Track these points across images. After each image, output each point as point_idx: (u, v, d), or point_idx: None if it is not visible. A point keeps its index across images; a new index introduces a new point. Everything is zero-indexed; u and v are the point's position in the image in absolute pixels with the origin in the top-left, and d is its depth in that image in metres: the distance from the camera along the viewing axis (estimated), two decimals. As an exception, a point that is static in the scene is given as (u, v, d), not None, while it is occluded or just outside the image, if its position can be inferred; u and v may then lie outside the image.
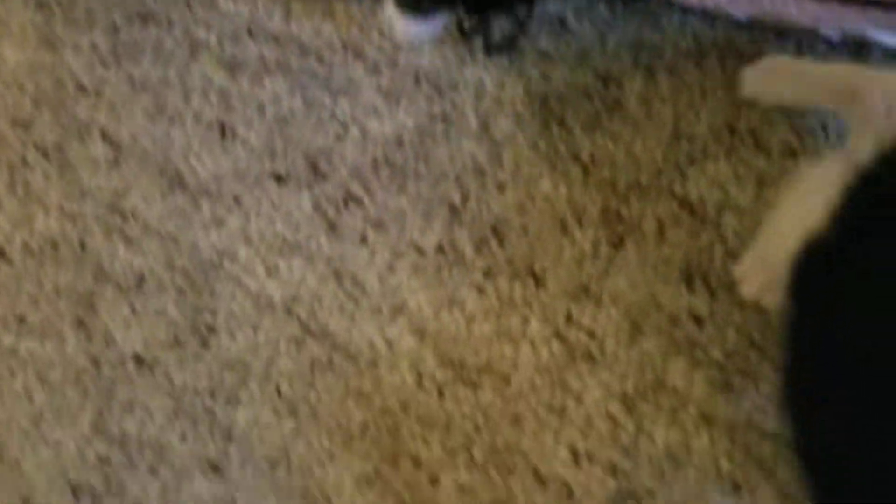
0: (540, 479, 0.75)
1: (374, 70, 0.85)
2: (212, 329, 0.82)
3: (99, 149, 0.88)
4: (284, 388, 0.80)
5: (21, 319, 0.86)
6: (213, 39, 0.89)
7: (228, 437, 0.80)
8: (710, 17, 0.81)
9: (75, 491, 0.81)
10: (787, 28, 0.78)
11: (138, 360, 0.83)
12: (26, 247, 0.88)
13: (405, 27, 0.78)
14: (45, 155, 0.89)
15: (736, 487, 0.72)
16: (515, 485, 0.76)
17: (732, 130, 0.79)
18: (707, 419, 0.73)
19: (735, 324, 0.75)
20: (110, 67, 0.90)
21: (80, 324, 0.85)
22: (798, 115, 0.78)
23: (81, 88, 0.90)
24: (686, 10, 0.81)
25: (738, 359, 0.74)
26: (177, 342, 0.83)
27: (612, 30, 0.83)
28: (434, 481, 0.77)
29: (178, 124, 0.88)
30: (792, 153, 0.77)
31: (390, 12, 0.77)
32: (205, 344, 0.82)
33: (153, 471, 0.81)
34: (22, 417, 0.83)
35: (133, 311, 0.84)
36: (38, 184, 0.88)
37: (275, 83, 0.87)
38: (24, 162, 0.89)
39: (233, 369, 0.81)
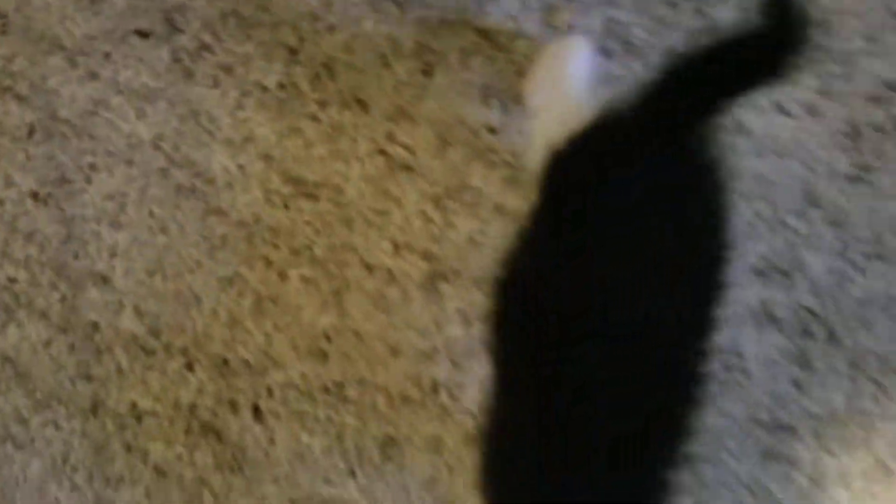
0: (368, 268, 0.86)
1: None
2: (93, 167, 0.92)
3: (-16, 18, 0.96)
4: (156, 210, 0.90)
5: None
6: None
7: (113, 253, 0.91)
8: None
9: None
10: None
11: (35, 196, 0.93)
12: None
13: None
14: (-64, 27, 0.97)
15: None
16: (349, 274, 0.87)
17: None
18: (500, 209, 0.85)
19: (522, 132, 0.85)
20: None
21: (-18, 170, 0.94)
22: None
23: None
24: None
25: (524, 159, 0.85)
26: (65, 180, 0.92)
27: None
28: (283, 277, 0.88)
29: (52, -9, 0.95)
30: (569, -17, 0.86)
31: None
32: (88, 180, 0.92)
33: (53, 285, 0.91)
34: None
35: (27, 156, 0.93)
36: (-69, 51, 0.96)
37: (133, -52, 0.94)
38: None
39: (112, 199, 0.91)
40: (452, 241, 0.85)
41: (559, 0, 0.87)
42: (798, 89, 0.80)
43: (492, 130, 0.85)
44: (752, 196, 0.80)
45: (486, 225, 0.84)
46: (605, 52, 0.85)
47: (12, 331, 0.90)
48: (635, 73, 0.84)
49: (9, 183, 0.93)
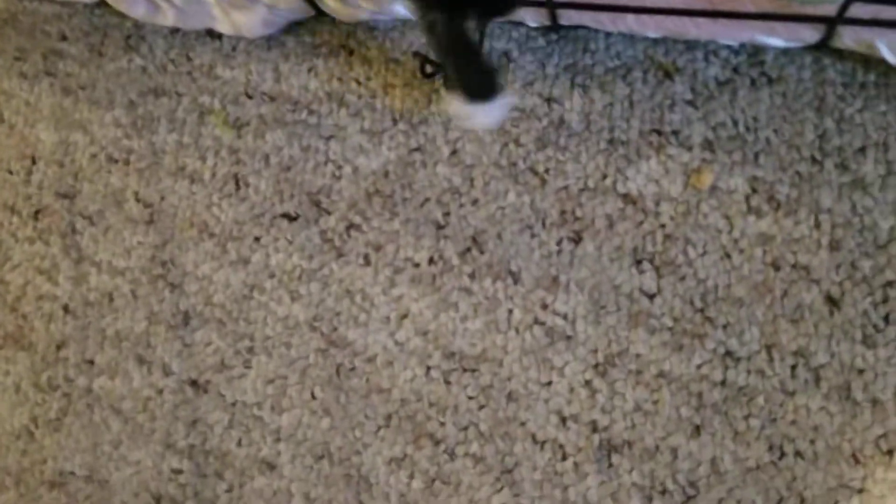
0: (537, 442, 0.79)
1: (357, 114, 0.88)
2: (251, 351, 0.86)
3: (135, 210, 0.91)
4: (318, 392, 0.84)
5: (90, 363, 0.89)
6: (216, 104, 0.92)
7: (277, 438, 0.84)
8: (629, 37, 0.84)
9: (158, 500, 0.85)
10: (693, 41, 0.82)
11: (194, 384, 0.87)
12: (86, 301, 0.91)
13: (475, 118, 0.79)
14: (91, 221, 0.92)
15: (696, 430, 0.77)
16: (518, 450, 0.80)
17: (659, 133, 0.82)
18: (665, 376, 0.78)
19: (679, 294, 0.79)
20: (133, 138, 0.93)
21: (140, 360, 0.88)
22: (711, 112, 0.82)
23: (112, 159, 0.93)
24: (609, 34, 0.85)
25: (685, 322, 0.78)
26: (224, 366, 0.86)
27: (549, 58, 0.86)
28: (452, 455, 0.81)
29: (198, 181, 0.91)
30: (709, 146, 0.81)
31: (456, 108, 0.77)
32: (247, 364, 0.86)
33: (219, 475, 0.84)
34: (104, 444, 0.87)
35: (184, 344, 0.87)
36: (89, 247, 0.92)
37: (274, 136, 0.90)
38: (73, 229, 0.93)
39: (273, 382, 0.85)
40: (620, 409, 0.77)
41: (701, 162, 0.79)
42: None
43: (648, 295, 0.77)
44: None
45: (653, 393, 0.76)
46: (753, 211, 0.78)
47: (179, 520, 0.82)
48: (784, 228, 0.76)
49: (167, 372, 0.86)
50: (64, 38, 0.98)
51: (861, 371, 0.74)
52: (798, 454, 0.73)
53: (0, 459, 0.90)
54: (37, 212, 0.93)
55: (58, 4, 0.98)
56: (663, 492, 0.75)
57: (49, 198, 0.93)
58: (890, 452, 0.72)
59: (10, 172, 0.95)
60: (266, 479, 0.83)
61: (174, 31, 0.94)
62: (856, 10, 0.72)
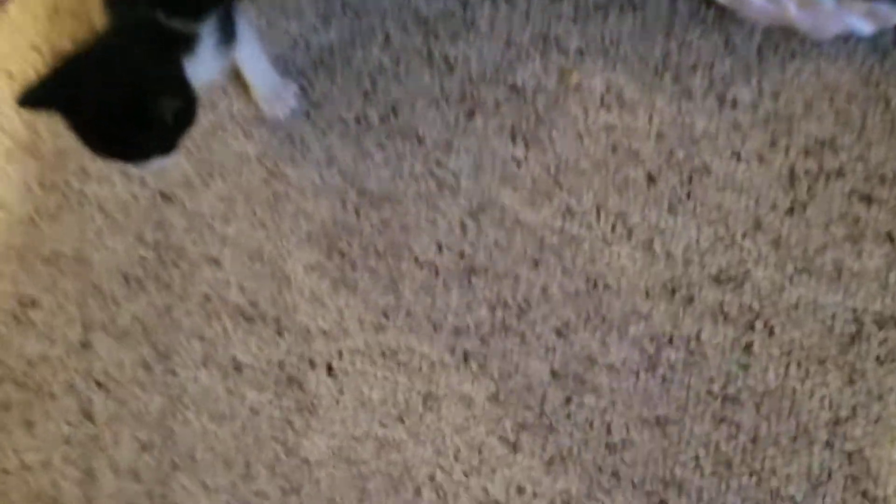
0: (419, 263, 0.95)
1: (314, 0, 1.02)
2: (210, 175, 1.01)
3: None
4: (258, 210, 0.99)
5: (85, 171, 1.04)
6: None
7: (224, 243, 1.00)
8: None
9: (126, 278, 1.01)
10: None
11: (164, 195, 1.02)
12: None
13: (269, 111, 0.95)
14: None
15: (536, 262, 0.94)
16: (404, 267, 0.96)
17: (545, 39, 0.97)
18: (520, 223, 0.94)
19: (540, 163, 0.95)
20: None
21: (123, 173, 1.03)
22: (587, 28, 0.96)
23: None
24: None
25: (541, 184, 0.94)
26: (188, 184, 1.02)
27: (471, -29, 0.99)
28: (354, 266, 0.97)
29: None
30: (581, 53, 0.96)
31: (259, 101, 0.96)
32: (206, 185, 1.01)
33: (175, 264, 1.00)
34: (89, 232, 1.03)
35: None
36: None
37: (245, 12, 1.03)
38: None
39: (224, 201, 1.00)
40: (483, 244, 0.93)
41: (573, 65, 0.95)
42: (751, 142, 0.89)
43: (518, 163, 0.93)
44: (712, 220, 0.89)
45: (509, 233, 0.92)
46: (605, 106, 0.93)
47: (142, 297, 0.99)
48: (625, 121, 0.92)
49: (143, 184, 1.02)
50: None
51: (662, 230, 0.91)
52: (607, 286, 0.91)
53: (7, 238, 1.06)
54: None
55: None
56: (505, 306, 0.93)
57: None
58: (673, 291, 0.90)
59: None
60: (211, 271, 0.99)
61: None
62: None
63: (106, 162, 0.76)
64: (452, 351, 0.92)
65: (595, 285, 0.90)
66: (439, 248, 0.94)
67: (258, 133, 0.99)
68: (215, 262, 0.96)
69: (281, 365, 0.95)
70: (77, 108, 0.69)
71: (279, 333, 0.95)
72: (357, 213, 0.96)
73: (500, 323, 0.91)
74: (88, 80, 0.68)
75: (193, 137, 1.01)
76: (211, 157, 1.00)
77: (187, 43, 0.75)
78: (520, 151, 0.94)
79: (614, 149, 0.92)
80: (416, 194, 0.95)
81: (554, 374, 0.91)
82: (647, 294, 0.89)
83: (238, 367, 0.96)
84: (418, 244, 0.94)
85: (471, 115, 0.96)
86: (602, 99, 0.93)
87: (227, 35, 0.81)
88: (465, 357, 0.92)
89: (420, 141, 0.96)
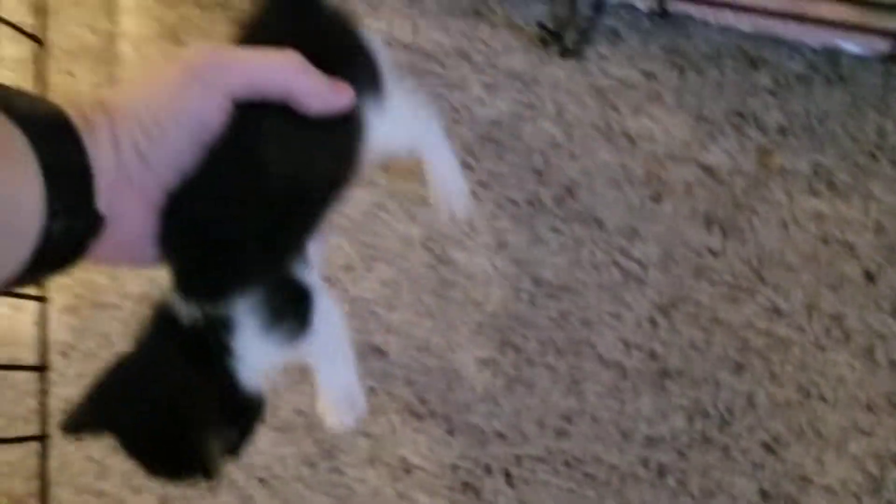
0: (603, 362, 0.88)
1: (479, 70, 0.96)
2: (373, 258, 0.96)
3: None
4: (424, 298, 0.93)
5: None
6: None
7: (388, 330, 0.94)
8: (724, 28, 0.90)
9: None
10: (780, 39, 0.88)
11: (327, 279, 0.97)
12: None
13: (337, 420, 0.69)
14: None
15: (739, 366, 0.85)
16: (587, 366, 0.89)
17: (740, 114, 0.89)
18: (719, 321, 0.86)
19: (739, 255, 0.86)
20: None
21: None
22: (788, 102, 0.88)
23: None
24: (707, 24, 0.91)
25: (742, 279, 0.86)
26: (349, 267, 0.96)
27: (652, 38, 0.92)
28: (531, 363, 0.90)
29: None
30: (782, 131, 0.87)
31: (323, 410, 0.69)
32: (368, 269, 0.96)
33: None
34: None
35: (317, 246, 0.97)
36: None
37: (408, 82, 0.98)
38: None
39: (388, 285, 0.95)
40: (676, 344, 0.85)
41: (773, 144, 0.86)
42: None
43: (713, 253, 0.85)
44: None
45: (708, 335, 0.84)
46: (813, 191, 0.84)
47: (304, 387, 0.94)
48: (837, 209, 0.83)
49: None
50: None
51: (884, 337, 0.81)
52: (822, 397, 0.82)
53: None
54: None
55: None
56: (705, 415, 0.85)
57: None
58: (900, 406, 0.80)
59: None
60: (377, 362, 0.93)
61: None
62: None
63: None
64: (646, 464, 0.84)
65: (808, 395, 0.81)
66: (626, 346, 0.86)
67: (422, 214, 0.93)
68: (380, 352, 0.90)
69: (454, 468, 0.88)
70: (121, 430, 0.53)
71: (450, 433, 0.89)
72: (532, 303, 0.88)
73: (699, 434, 0.83)
74: (126, 401, 0.53)
75: (354, 219, 0.95)
76: (374, 239, 0.93)
77: (223, 332, 0.54)
78: (716, 241, 0.85)
79: (825, 240, 0.83)
80: (598, 285, 0.87)
81: (763, 494, 0.82)
82: (869, 407, 0.79)
83: (408, 469, 0.89)
84: (602, 341, 0.86)
85: (657, 197, 0.87)
86: (809, 183, 0.84)
87: (277, 312, 0.56)
88: (661, 471, 0.84)
89: (600, 226, 0.88)
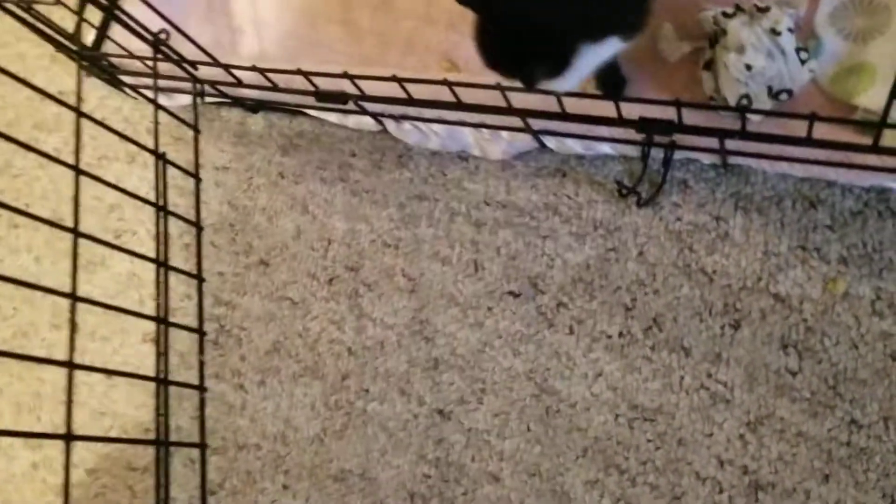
0: (700, 479, 0.98)
1: (567, 221, 1.12)
2: (483, 391, 1.10)
3: (402, 282, 1.17)
4: (532, 426, 1.06)
5: (366, 391, 1.15)
6: (463, 208, 1.17)
7: (501, 458, 1.07)
8: (782, 175, 1.04)
9: (411, 496, 1.09)
10: (833, 182, 1.01)
11: (440, 412, 1.11)
12: (364, 345, 1.17)
13: None
14: (369, 287, 1.19)
15: (825, 477, 0.94)
16: (685, 483, 0.99)
17: (804, 248, 1.01)
18: (803, 435, 0.96)
19: (816, 374, 0.97)
20: (402, 230, 1.19)
21: (402, 392, 1.13)
22: (846, 235, 1.00)
23: (386, 244, 1.20)
24: (765, 172, 1.05)
25: (820, 395, 0.96)
26: (462, 400, 1.10)
27: (718, 186, 1.06)
28: (633, 482, 1.01)
29: (448, 264, 1.16)
30: (844, 261, 0.99)
31: None
32: (480, 401, 1.09)
33: (457, 481, 1.07)
34: (374, 450, 1.12)
35: (434, 382, 1.12)
36: (367, 306, 1.18)
37: (504, 233, 1.14)
38: (356, 293, 1.20)
39: (498, 416, 1.08)
40: (766, 458, 0.95)
41: (836, 273, 0.98)
42: None
43: (792, 373, 0.96)
44: None
45: (793, 448, 0.94)
46: (877, 313, 0.95)
47: (423, 511, 1.06)
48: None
49: (421, 402, 1.10)
50: (353, 154, 1.26)
51: (962, 443, 0.90)
52: (907, 503, 0.90)
53: (298, 458, 1.17)
54: (331, 279, 1.21)
55: (350, 130, 1.27)
56: (798, 523, 0.93)
57: (340, 269, 1.21)
58: (983, 508, 0.88)
59: (313, 249, 1.23)
60: (492, 488, 1.05)
61: (434, 153, 1.21)
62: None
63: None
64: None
65: (892, 501, 0.89)
66: (720, 462, 0.96)
67: (525, 349, 1.06)
68: (495, 478, 1.02)
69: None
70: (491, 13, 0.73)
71: (565, 552, 0.99)
72: (630, 427, 1.00)
73: (794, 542, 0.91)
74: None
75: (463, 355, 1.09)
76: (482, 374, 1.07)
77: None
78: (793, 361, 0.96)
79: (894, 357, 0.93)
80: (689, 407, 0.99)
81: None
82: (953, 512, 0.87)
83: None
84: (697, 458, 0.96)
85: (736, 325, 0.99)
86: (873, 306, 0.95)
87: None
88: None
89: (687, 353, 1.00)
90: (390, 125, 1.19)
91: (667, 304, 1.02)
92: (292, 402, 1.16)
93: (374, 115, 1.17)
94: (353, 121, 1.23)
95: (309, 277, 1.21)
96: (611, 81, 1.03)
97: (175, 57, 1.18)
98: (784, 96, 0.97)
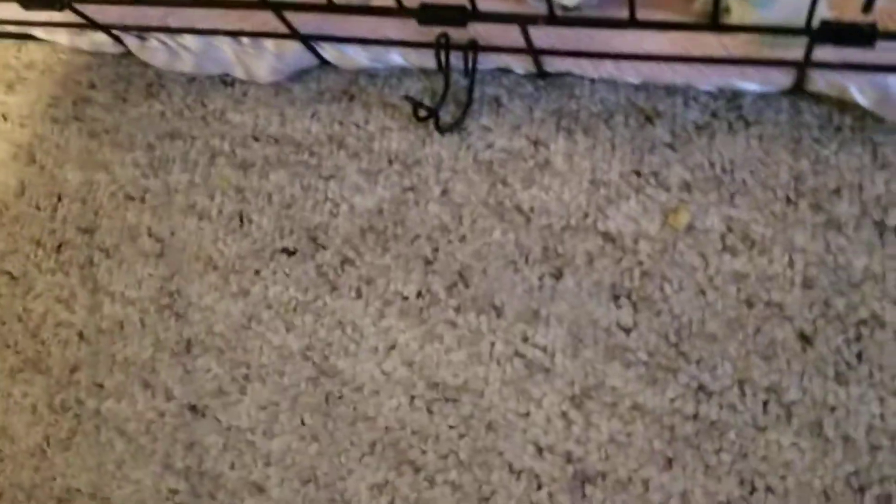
0: (513, 472, 0.76)
1: (355, 156, 0.88)
2: (247, 378, 0.85)
3: (147, 245, 0.92)
4: (307, 419, 0.82)
5: (100, 386, 0.89)
6: (226, 146, 0.92)
7: (268, 462, 0.82)
8: (612, 83, 0.83)
9: None
10: (672, 86, 0.80)
11: (193, 408, 0.86)
12: (99, 328, 0.91)
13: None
14: (107, 254, 0.93)
15: (668, 461, 0.73)
16: (495, 478, 0.77)
17: (639, 174, 0.80)
18: (639, 409, 0.75)
19: (654, 329, 0.76)
20: (149, 178, 0.94)
21: (146, 385, 0.88)
22: (689, 154, 0.79)
23: (129, 197, 0.94)
24: (593, 81, 0.83)
25: (660, 356, 0.75)
26: (221, 391, 0.85)
27: (537, 103, 0.85)
28: (431, 482, 0.78)
29: (206, 218, 0.91)
30: (687, 187, 0.78)
31: None
32: (242, 391, 0.85)
33: (212, 496, 0.83)
34: (109, 463, 0.87)
35: (185, 370, 0.87)
36: (104, 278, 0.92)
37: (278, 176, 0.90)
38: (91, 261, 0.94)
39: (265, 409, 0.84)
40: (595, 441, 0.73)
41: (678, 202, 0.76)
42: None
43: (625, 330, 0.74)
44: (902, 391, 0.68)
45: (627, 425, 0.73)
46: (728, 249, 0.74)
47: (174, 538, 0.81)
48: (758, 266, 0.73)
49: (169, 396, 0.85)
50: (92, 86, 0.99)
51: (833, 408, 0.70)
52: (769, 489, 0.69)
53: (14, 476, 0.89)
54: (59, 245, 0.94)
55: (88, 55, 1.00)
56: (634, 524, 0.72)
57: (71, 233, 0.94)
58: (861, 490, 0.68)
59: (38, 208, 0.96)
60: (255, 501, 0.81)
61: (191, 79, 0.95)
62: (825, 55, 0.70)
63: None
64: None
65: (753, 488, 0.69)
66: (538, 450, 0.74)
67: (300, 321, 0.82)
68: (259, 488, 0.78)
69: None
70: None
71: (345, 578, 0.75)
72: (430, 411, 0.77)
73: (631, 549, 0.70)
74: None
75: (223, 334, 0.85)
76: (246, 356, 0.83)
77: None
78: (626, 315, 0.75)
79: (750, 303, 0.72)
80: (501, 381, 0.76)
81: None
82: (826, 496, 0.67)
83: None
84: (511, 447, 0.74)
85: (558, 274, 0.77)
86: (723, 240, 0.75)
87: None
88: None
89: (498, 313, 0.78)
90: (132, 43, 0.92)
91: (475, 253, 0.79)
92: (8, 406, 0.89)
93: (106, 29, 0.90)
94: (87, 41, 0.96)
95: (33, 244, 0.93)
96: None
97: None
98: (604, -23, 0.75)
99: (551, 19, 0.72)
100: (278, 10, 0.79)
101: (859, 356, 0.71)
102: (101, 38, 0.96)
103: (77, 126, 0.99)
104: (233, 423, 0.84)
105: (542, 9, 0.73)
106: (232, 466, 0.83)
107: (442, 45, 0.83)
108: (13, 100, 1.03)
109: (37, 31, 1.01)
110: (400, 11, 0.76)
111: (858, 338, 0.72)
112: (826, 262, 0.74)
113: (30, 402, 0.92)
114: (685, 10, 0.76)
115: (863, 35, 0.62)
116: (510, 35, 0.78)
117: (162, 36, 0.92)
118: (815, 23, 0.63)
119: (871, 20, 0.61)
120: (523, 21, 0.73)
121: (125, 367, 0.89)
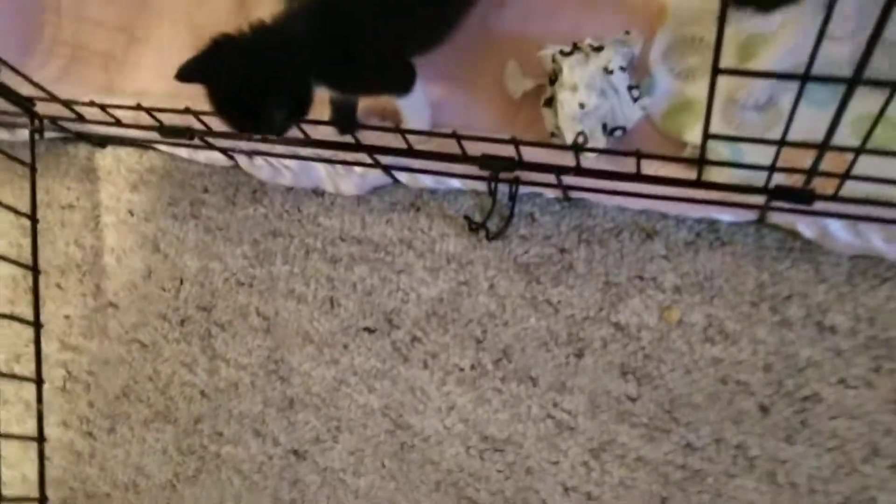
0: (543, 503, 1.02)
1: (421, 255, 1.14)
2: (339, 429, 1.11)
3: (256, 321, 1.18)
4: (386, 462, 1.08)
5: (220, 434, 1.14)
6: (318, 244, 1.18)
7: (357, 496, 1.08)
8: (621, 208, 1.10)
9: None
10: (667, 214, 1.07)
11: (295, 452, 1.11)
12: (217, 388, 1.17)
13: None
14: (222, 328, 1.19)
15: (663, 500, 1.00)
16: (532, 510, 1.03)
17: (641, 278, 1.07)
18: (642, 459, 1.01)
19: (653, 399, 1.02)
20: (256, 267, 1.20)
21: (257, 433, 1.13)
22: (680, 265, 1.06)
23: (240, 283, 1.20)
24: (605, 205, 1.10)
25: (657, 420, 1.02)
26: (318, 440, 1.11)
27: (563, 219, 1.11)
28: (483, 512, 1.04)
29: (303, 301, 1.17)
30: (678, 290, 1.05)
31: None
32: (335, 439, 1.11)
33: (313, 521, 1.08)
34: (228, 497, 1.12)
35: (289, 422, 1.12)
36: (221, 347, 1.18)
37: (360, 269, 1.16)
38: (209, 334, 1.19)
39: (354, 454, 1.09)
40: (608, 483, 1.00)
41: (671, 301, 1.04)
42: (855, 368, 0.96)
43: (631, 399, 1.01)
44: (830, 448, 0.95)
45: (633, 472, 0.99)
46: (709, 339, 1.02)
47: (280, 554, 1.06)
48: (731, 354, 1.00)
49: (276, 443, 1.11)
50: (206, 190, 1.26)
51: (784, 461, 0.97)
52: (736, 521, 0.96)
53: (150, 504, 1.15)
54: (182, 320, 1.20)
55: (202, 165, 1.27)
56: (638, 545, 0.98)
57: (192, 310, 1.20)
58: (802, 522, 0.95)
59: (163, 289, 1.22)
60: (347, 525, 1.06)
61: (289, 188, 1.22)
62: (779, 202, 0.98)
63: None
64: None
65: (724, 520, 0.95)
66: (566, 490, 1.00)
67: (380, 385, 1.08)
68: (350, 516, 1.03)
69: None
70: (217, 85, 0.82)
71: (418, 585, 1.01)
72: (481, 458, 1.03)
73: (635, 564, 0.96)
74: (230, 63, 0.82)
75: (319, 394, 1.11)
76: (337, 412, 1.08)
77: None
78: (632, 388, 1.02)
79: (724, 381, 0.99)
80: (536, 436, 1.03)
81: None
82: (778, 526, 0.94)
83: None
84: (545, 487, 1.00)
85: (580, 354, 1.04)
86: (705, 333, 1.02)
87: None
88: None
89: (534, 382, 1.05)
90: (242, 160, 1.19)
91: (515, 335, 1.06)
92: (143, 448, 1.15)
93: (224, 151, 1.17)
94: (203, 156, 1.23)
95: (160, 319, 1.19)
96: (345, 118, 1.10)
97: (8, 93, 1.15)
98: (619, 133, 1.03)
99: (578, 171, 1.00)
100: (371, 152, 1.07)
101: (803, 423, 0.98)
102: (216, 154, 1.23)
103: (194, 222, 1.26)
104: (328, 465, 1.10)
105: (572, 156, 1.00)
106: (328, 499, 1.09)
107: (493, 178, 1.10)
108: (137, 198, 1.29)
109: (158, 145, 1.28)
110: (466, 159, 1.03)
111: (803, 410, 0.99)
112: (780, 352, 1.01)
113: (161, 445, 1.18)
114: (678, 151, 1.04)
115: (805, 197, 0.90)
116: (546, 175, 1.06)
117: (268, 158, 1.19)
118: (772, 185, 0.91)
119: (811, 187, 0.89)
120: (558, 171, 1.01)
121: (240, 419, 1.15)
